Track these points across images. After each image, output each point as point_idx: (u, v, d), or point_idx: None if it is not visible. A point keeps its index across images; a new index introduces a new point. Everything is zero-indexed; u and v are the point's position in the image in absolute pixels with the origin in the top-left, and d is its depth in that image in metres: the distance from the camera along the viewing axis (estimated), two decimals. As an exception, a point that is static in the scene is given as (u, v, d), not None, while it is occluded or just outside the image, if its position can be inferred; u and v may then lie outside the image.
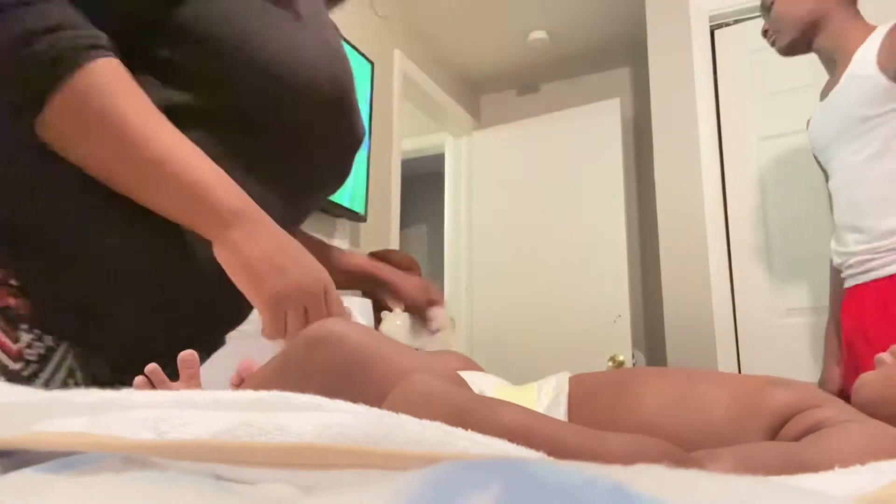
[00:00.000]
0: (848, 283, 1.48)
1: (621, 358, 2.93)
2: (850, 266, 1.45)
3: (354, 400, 0.37)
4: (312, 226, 2.39)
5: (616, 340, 2.97)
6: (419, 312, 1.09)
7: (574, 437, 0.46)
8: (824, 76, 2.43)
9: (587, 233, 3.16)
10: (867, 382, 0.60)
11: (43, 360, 0.65)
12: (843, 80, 1.46)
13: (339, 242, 2.55)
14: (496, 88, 3.87)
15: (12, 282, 0.65)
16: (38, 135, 0.61)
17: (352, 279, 1.10)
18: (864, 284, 1.41)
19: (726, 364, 2.36)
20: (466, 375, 0.71)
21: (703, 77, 2.54)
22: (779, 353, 2.29)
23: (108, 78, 0.61)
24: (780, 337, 2.31)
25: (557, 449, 0.42)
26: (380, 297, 1.11)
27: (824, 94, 1.58)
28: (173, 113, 0.66)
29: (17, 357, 0.64)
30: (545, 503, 0.18)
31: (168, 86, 0.70)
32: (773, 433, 0.57)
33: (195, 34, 0.70)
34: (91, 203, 0.66)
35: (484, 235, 3.55)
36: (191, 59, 0.71)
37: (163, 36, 0.70)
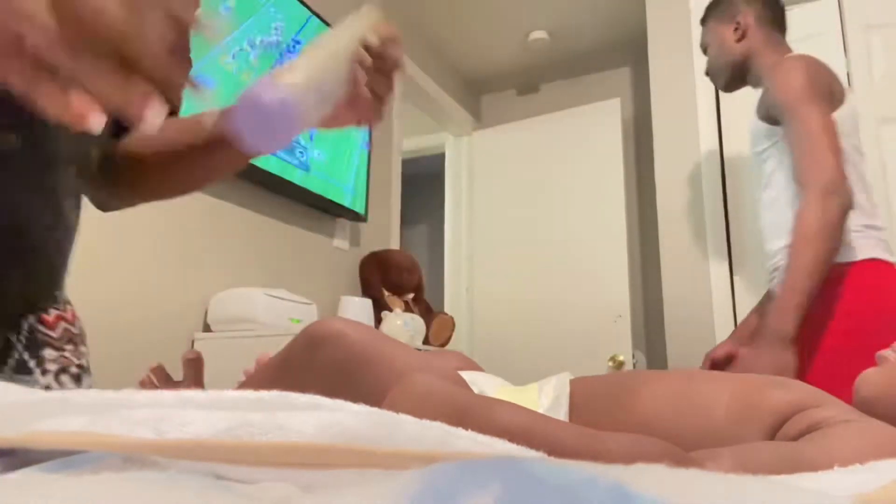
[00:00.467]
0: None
1: (622, 358, 2.93)
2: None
3: (355, 397, 0.37)
4: (313, 225, 2.39)
5: (616, 340, 2.97)
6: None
7: (573, 438, 0.46)
8: (824, 76, 2.42)
9: (587, 233, 3.16)
10: (869, 379, 0.60)
11: None
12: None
13: (340, 242, 2.55)
14: (496, 88, 3.87)
15: None
16: None
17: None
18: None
19: (726, 364, 2.36)
20: (467, 375, 0.71)
21: (704, 77, 2.54)
22: (779, 354, 2.28)
23: None
24: (780, 337, 2.30)
25: (557, 449, 0.42)
26: None
27: None
28: None
29: None
30: (545, 502, 0.18)
31: None
32: (773, 433, 0.57)
33: None
34: None
35: (484, 235, 3.55)
36: None
37: None
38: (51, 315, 0.70)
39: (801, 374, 1.27)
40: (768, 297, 1.58)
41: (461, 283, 3.56)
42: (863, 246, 1.37)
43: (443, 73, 3.52)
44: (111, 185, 0.79)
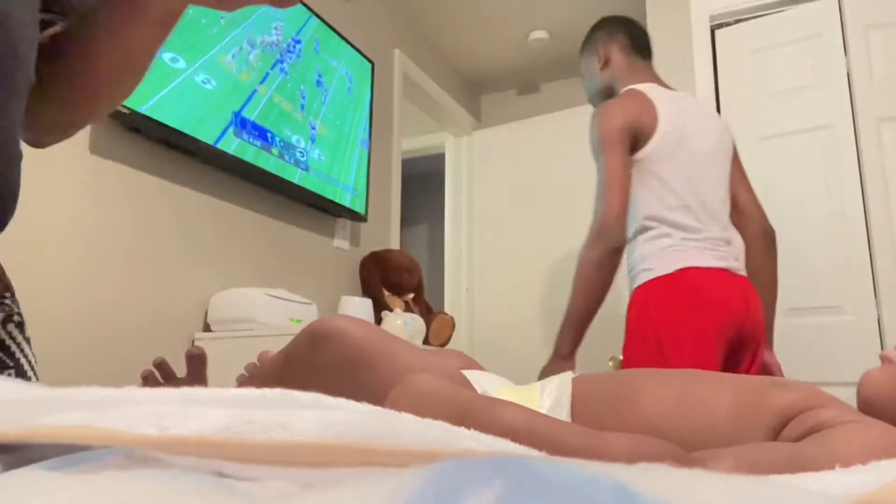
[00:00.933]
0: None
1: (622, 357, 2.92)
2: None
3: (358, 395, 0.37)
4: (313, 225, 2.39)
5: (616, 340, 2.96)
6: None
7: (575, 437, 0.46)
8: (823, 77, 2.43)
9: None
10: (873, 379, 0.60)
11: None
12: None
13: (340, 242, 2.55)
14: (496, 88, 3.87)
15: None
16: None
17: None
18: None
19: (726, 364, 2.36)
20: (470, 374, 0.71)
21: (704, 77, 2.55)
22: (779, 353, 2.28)
23: None
24: (780, 337, 2.30)
25: (559, 449, 0.42)
26: None
27: None
28: None
29: None
30: (547, 500, 0.18)
31: None
32: (775, 434, 0.57)
33: None
34: None
35: (484, 235, 3.55)
36: None
37: None
38: None
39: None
40: None
41: (461, 283, 3.56)
42: (675, 259, 1.52)
43: (443, 73, 3.52)
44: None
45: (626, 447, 0.45)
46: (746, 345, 1.56)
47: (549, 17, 3.20)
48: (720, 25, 2.60)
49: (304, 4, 2.28)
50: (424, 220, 5.21)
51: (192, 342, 1.86)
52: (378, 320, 2.34)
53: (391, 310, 2.41)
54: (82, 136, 1.60)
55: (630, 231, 1.58)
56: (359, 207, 2.50)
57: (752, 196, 1.74)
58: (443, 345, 2.58)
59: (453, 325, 2.65)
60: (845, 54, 2.33)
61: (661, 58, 2.68)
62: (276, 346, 0.82)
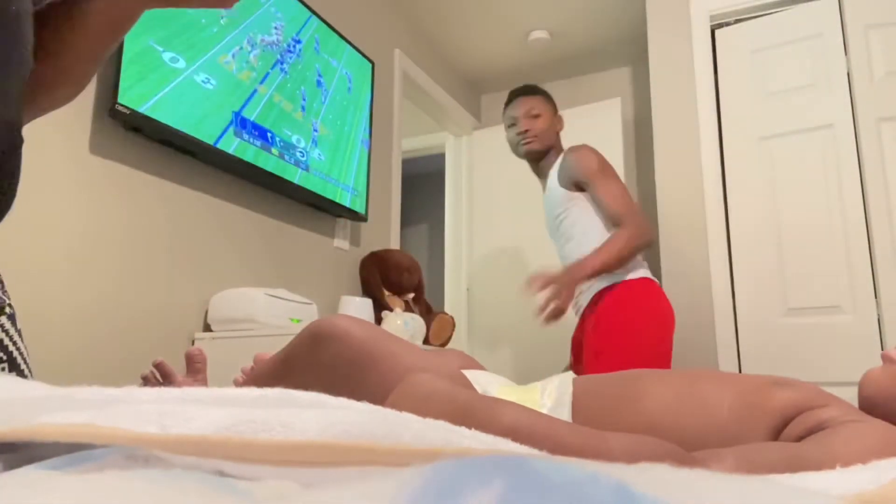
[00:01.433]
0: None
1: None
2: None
3: (359, 395, 0.37)
4: (313, 225, 2.39)
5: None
6: None
7: (576, 437, 0.46)
8: (824, 76, 2.43)
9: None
10: (873, 379, 0.60)
11: None
12: (546, 190, 2.14)
13: (340, 242, 2.55)
14: (496, 88, 3.87)
15: None
16: None
17: None
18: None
19: (727, 364, 2.36)
20: (471, 374, 0.71)
21: (704, 77, 2.55)
22: (779, 353, 2.29)
23: None
24: (780, 337, 2.31)
25: (560, 448, 0.42)
26: None
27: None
28: None
29: None
30: (548, 499, 0.18)
31: None
32: (777, 433, 0.57)
33: None
34: None
35: (484, 235, 3.55)
36: None
37: None
38: None
39: (585, 370, 1.82)
40: None
41: (461, 283, 3.56)
42: (637, 269, 1.92)
43: (443, 73, 3.52)
44: None
45: (628, 447, 0.45)
46: None
47: (549, 17, 3.20)
48: (720, 25, 2.60)
49: (304, 4, 2.28)
50: (424, 220, 5.21)
51: (192, 342, 1.86)
52: (378, 320, 2.34)
53: (391, 310, 2.41)
54: (82, 136, 1.60)
55: (596, 245, 1.89)
56: (359, 207, 2.50)
57: None
58: (443, 345, 2.58)
59: (453, 325, 2.65)
60: (845, 54, 2.33)
61: (661, 58, 2.69)
62: (276, 346, 0.82)
